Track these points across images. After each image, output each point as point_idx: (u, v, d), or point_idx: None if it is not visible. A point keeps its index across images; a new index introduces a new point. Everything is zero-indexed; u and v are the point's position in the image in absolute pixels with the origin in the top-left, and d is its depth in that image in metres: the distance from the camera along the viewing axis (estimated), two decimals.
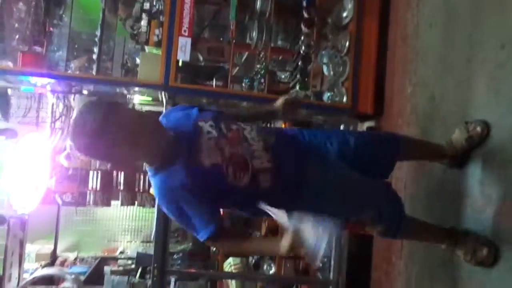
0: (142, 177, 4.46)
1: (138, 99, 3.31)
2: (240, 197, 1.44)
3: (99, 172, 4.31)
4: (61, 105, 4.55)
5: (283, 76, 3.64)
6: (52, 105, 4.46)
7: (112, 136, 1.24)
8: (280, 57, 3.57)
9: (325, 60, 2.83)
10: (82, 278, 4.86)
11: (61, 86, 3.11)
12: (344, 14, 2.66)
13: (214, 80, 2.88)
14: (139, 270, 5.09)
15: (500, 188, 1.61)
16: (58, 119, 4.46)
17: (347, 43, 2.60)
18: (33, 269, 4.99)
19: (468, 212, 1.77)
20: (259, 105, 2.42)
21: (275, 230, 2.85)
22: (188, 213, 1.36)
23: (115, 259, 6.01)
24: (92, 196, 4.35)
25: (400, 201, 1.63)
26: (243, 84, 2.83)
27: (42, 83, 2.97)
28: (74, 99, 4.91)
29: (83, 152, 1.33)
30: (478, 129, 1.66)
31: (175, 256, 4.10)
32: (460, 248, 1.67)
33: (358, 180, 1.56)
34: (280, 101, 1.66)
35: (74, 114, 1.30)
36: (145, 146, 1.31)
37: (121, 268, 5.31)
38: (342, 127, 2.66)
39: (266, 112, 1.80)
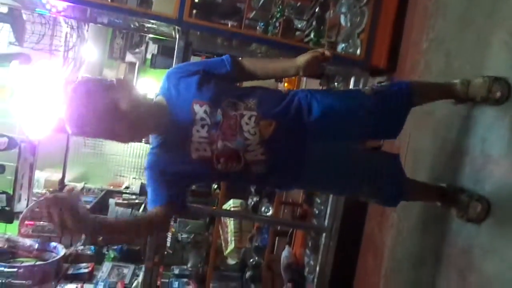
0: None
1: (152, 36, 3.30)
2: (231, 178, 1.53)
3: None
4: (74, 35, 4.55)
5: (299, 25, 3.57)
6: (66, 34, 4.47)
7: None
8: (298, 4, 3.48)
9: (343, 9, 2.76)
10: (88, 206, 5.08)
11: (75, 13, 3.08)
12: None
13: (229, 20, 2.84)
14: (143, 204, 5.31)
15: (501, 148, 1.63)
16: (71, 49, 4.48)
17: None
18: (42, 194, 5.21)
19: (467, 169, 1.80)
20: (277, 58, 2.33)
21: None
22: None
23: (120, 193, 6.25)
24: None
25: (401, 176, 1.65)
26: (258, 28, 2.79)
27: (56, 7, 2.95)
28: (87, 30, 4.90)
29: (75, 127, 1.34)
30: (498, 94, 1.61)
31: None
32: (455, 205, 1.72)
33: (358, 158, 1.60)
34: (305, 58, 1.46)
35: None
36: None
37: (125, 202, 5.54)
38: (352, 80, 2.64)
39: (283, 70, 1.60)
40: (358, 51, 2.58)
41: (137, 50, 6.93)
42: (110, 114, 1.27)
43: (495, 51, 1.74)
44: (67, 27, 4.30)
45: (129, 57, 7.01)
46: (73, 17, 3.51)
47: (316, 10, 2.71)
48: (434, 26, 2.24)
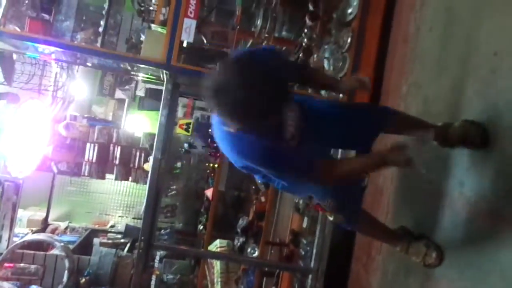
0: (138, 153, 4.53)
1: (142, 76, 3.36)
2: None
3: (97, 144, 4.38)
4: (64, 75, 4.61)
5: None
6: (56, 74, 4.53)
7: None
8: (284, 48, 3.61)
9: (326, 55, 2.87)
10: (71, 247, 4.96)
11: (66, 56, 3.15)
12: (349, 11, 2.70)
13: (216, 64, 2.93)
14: (128, 244, 5.20)
15: (477, 192, 1.68)
16: (61, 88, 4.52)
17: (349, 40, 2.64)
18: (24, 233, 5.09)
19: (446, 212, 1.84)
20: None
21: (262, 214, 2.92)
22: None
23: (105, 232, 6.12)
24: (87, 168, 4.43)
25: (360, 203, 1.85)
26: None
27: (47, 51, 3.01)
28: (77, 71, 4.97)
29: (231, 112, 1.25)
30: (478, 140, 1.68)
31: (162, 232, 4.20)
32: (412, 252, 1.88)
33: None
34: (350, 83, 1.76)
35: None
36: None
37: (110, 241, 5.41)
38: None
39: (331, 85, 1.89)
40: (341, 95, 2.66)
41: (126, 87, 7.01)
42: None
43: (470, 97, 1.82)
44: (57, 67, 4.36)
45: (119, 94, 7.08)
46: (64, 60, 3.58)
47: (300, 55, 2.81)
48: (413, 71, 2.34)
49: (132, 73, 3.17)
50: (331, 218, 1.82)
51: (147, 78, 3.66)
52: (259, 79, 1.18)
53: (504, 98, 1.62)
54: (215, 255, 3.15)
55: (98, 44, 2.68)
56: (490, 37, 1.75)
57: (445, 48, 2.08)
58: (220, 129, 1.46)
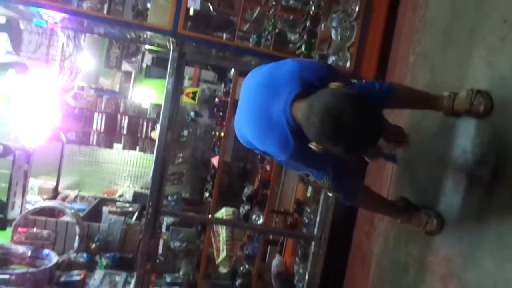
0: (145, 123, 4.57)
1: (149, 47, 3.36)
2: None
3: (104, 114, 4.43)
4: (71, 45, 4.61)
5: (293, 38, 3.65)
6: (63, 44, 4.53)
7: None
8: (291, 17, 3.57)
9: (334, 24, 2.84)
10: (81, 214, 5.09)
11: (72, 24, 3.14)
12: None
13: (223, 32, 2.92)
14: (136, 213, 5.33)
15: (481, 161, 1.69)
16: (68, 58, 4.53)
17: (357, 8, 2.60)
18: (36, 201, 5.22)
19: (449, 181, 1.86)
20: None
21: (267, 182, 2.97)
22: None
23: (114, 201, 6.25)
24: (95, 137, 4.50)
25: (359, 182, 1.84)
26: (251, 40, 2.86)
27: (54, 18, 3.01)
28: (84, 40, 4.96)
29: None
30: (482, 108, 1.68)
31: (169, 199, 4.29)
32: (413, 223, 1.93)
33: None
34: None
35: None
36: None
37: (119, 210, 5.54)
38: None
39: None
40: (348, 64, 2.65)
41: (133, 59, 7.00)
42: None
43: (476, 66, 1.81)
44: (64, 36, 4.36)
45: (125, 66, 7.08)
46: (70, 28, 3.57)
47: (307, 24, 2.78)
48: (421, 41, 2.32)
49: (139, 43, 3.17)
50: (330, 194, 1.85)
51: (154, 49, 3.65)
52: (373, 121, 1.27)
53: (511, 66, 1.62)
54: (221, 222, 3.22)
55: (105, 12, 2.67)
56: (500, 3, 1.72)
57: (454, 16, 2.05)
58: (280, 124, 1.42)
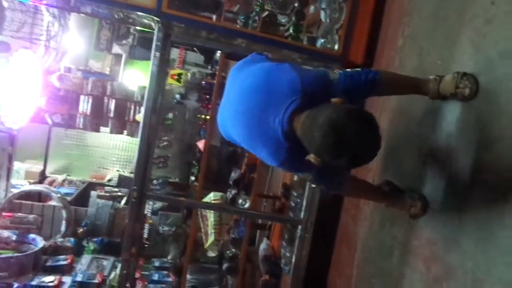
0: (132, 106, 4.49)
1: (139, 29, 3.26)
2: None
3: (91, 97, 4.35)
4: (56, 25, 4.49)
5: (283, 20, 3.60)
6: (48, 23, 4.41)
7: None
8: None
9: (323, 5, 2.79)
10: (69, 198, 5.05)
11: (57, 1, 3.05)
12: None
13: (211, 13, 2.85)
14: (125, 197, 5.30)
15: (465, 144, 1.69)
16: (53, 38, 4.42)
17: None
18: (22, 185, 5.16)
19: (434, 165, 1.86)
20: None
21: (253, 166, 2.95)
22: None
23: (103, 185, 6.21)
24: (82, 120, 4.43)
25: (343, 175, 1.78)
26: (238, 21, 2.80)
27: None
28: (69, 19, 4.84)
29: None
30: (467, 91, 1.66)
31: (155, 182, 4.26)
32: (398, 206, 1.91)
33: None
34: None
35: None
36: None
37: (107, 194, 5.51)
38: None
39: None
40: (336, 47, 2.62)
41: (124, 41, 6.88)
42: None
43: (463, 48, 1.79)
44: (49, 15, 4.24)
45: (116, 49, 6.96)
46: (55, 6, 3.47)
47: (296, 5, 2.73)
48: (409, 24, 2.28)
49: (128, 24, 3.10)
50: (313, 185, 1.84)
51: (145, 30, 3.55)
52: (375, 136, 1.31)
53: (497, 49, 1.59)
54: (206, 205, 3.21)
55: None
56: None
57: None
58: (275, 132, 1.42)
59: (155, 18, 2.38)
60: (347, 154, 1.27)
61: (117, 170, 6.99)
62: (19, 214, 4.40)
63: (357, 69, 1.72)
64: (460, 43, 1.81)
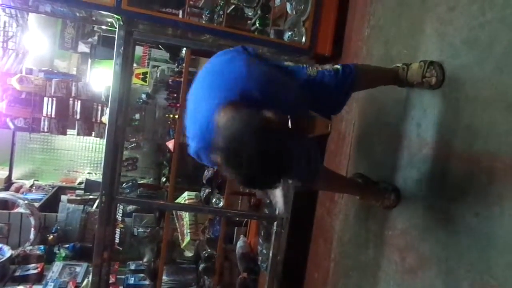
0: (100, 107, 4.34)
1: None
2: None
3: (54, 99, 4.17)
4: (14, 25, 4.28)
5: (250, 14, 3.53)
6: (4, 23, 4.20)
7: None
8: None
9: None
10: (37, 204, 4.86)
11: (14, 2, 2.89)
12: None
13: (173, 8, 2.76)
14: (97, 201, 5.14)
15: (433, 133, 1.69)
16: (11, 39, 4.22)
17: None
18: None
19: (405, 154, 1.86)
20: None
21: None
22: None
23: (73, 189, 6.02)
24: (46, 123, 4.25)
25: (316, 163, 1.67)
26: (203, 16, 2.73)
27: None
28: (27, 19, 4.63)
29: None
30: (433, 79, 1.67)
31: (124, 185, 4.15)
32: (371, 198, 1.94)
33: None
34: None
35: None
36: None
37: (78, 198, 5.35)
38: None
39: None
40: (303, 39, 2.58)
41: (89, 39, 6.65)
42: None
43: (428, 37, 1.79)
44: (5, 15, 4.03)
45: (82, 47, 6.72)
46: (12, 6, 3.30)
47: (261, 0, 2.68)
48: (374, 13, 2.27)
49: (91, 23, 2.97)
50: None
51: (110, 29, 3.41)
52: (273, 170, 1.19)
53: (461, 36, 1.60)
54: (178, 207, 3.14)
55: None
56: None
57: None
58: (204, 120, 1.34)
59: (116, 15, 2.27)
60: (236, 171, 1.17)
61: (88, 173, 6.80)
62: None
63: (336, 66, 1.69)
64: (425, 32, 1.82)
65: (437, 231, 1.61)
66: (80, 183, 6.57)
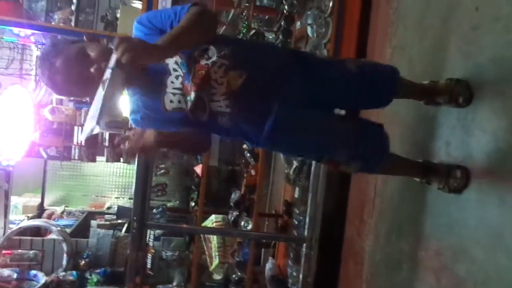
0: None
1: None
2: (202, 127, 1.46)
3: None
4: None
5: (270, 37, 3.61)
6: (36, 57, 4.41)
7: (61, 76, 1.30)
8: (267, 17, 3.52)
9: (309, 21, 2.81)
10: (69, 230, 4.97)
11: (45, 38, 3.06)
12: None
13: None
14: (126, 225, 5.23)
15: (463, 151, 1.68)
16: None
17: (331, 4, 2.57)
18: (20, 220, 5.08)
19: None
20: None
21: (253, 187, 2.92)
22: None
23: (102, 213, 6.13)
24: (77, 151, 4.39)
25: (381, 140, 1.56)
26: None
27: (23, 33, 2.93)
28: None
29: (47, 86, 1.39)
30: (461, 99, 1.65)
31: (154, 211, 4.20)
32: (434, 176, 1.69)
33: (336, 122, 1.53)
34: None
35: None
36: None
37: (107, 223, 5.44)
38: None
39: None
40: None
41: None
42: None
43: (453, 55, 1.80)
44: (37, 50, 4.24)
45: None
46: (43, 43, 3.48)
47: (282, 23, 2.74)
48: (396, 33, 2.30)
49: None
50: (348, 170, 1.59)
51: None
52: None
53: (487, 54, 1.60)
54: (209, 230, 3.17)
55: (72, 23, 2.60)
56: None
57: (427, 6, 2.04)
58: None
59: None
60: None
61: (116, 197, 6.93)
62: (19, 250, 4.32)
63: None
64: (449, 50, 1.82)
65: (473, 252, 1.58)
66: (108, 208, 6.70)
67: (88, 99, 1.41)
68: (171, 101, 1.37)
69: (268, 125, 1.39)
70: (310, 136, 1.48)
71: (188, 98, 1.35)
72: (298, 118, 1.45)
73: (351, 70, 1.51)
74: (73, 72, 1.28)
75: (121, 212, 4.74)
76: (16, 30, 2.92)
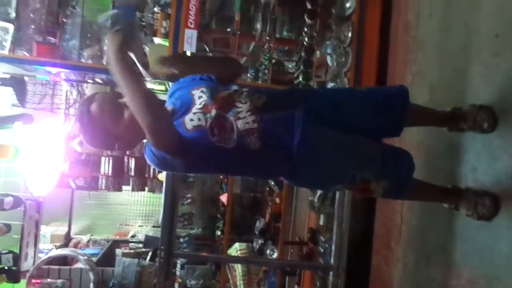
0: None
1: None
2: (232, 160, 1.47)
3: (111, 158, 4.46)
4: (74, 92, 4.69)
5: (290, 66, 3.70)
6: (66, 92, 4.61)
7: (92, 127, 1.46)
8: (287, 48, 3.62)
9: (329, 51, 2.87)
10: (95, 259, 5.04)
11: (75, 75, 3.22)
12: (348, 5, 2.69)
13: None
14: (150, 253, 5.27)
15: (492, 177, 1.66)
16: (72, 105, 4.61)
17: (350, 34, 2.64)
18: (48, 249, 5.19)
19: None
20: None
21: (278, 215, 2.93)
22: None
23: (127, 242, 6.19)
24: (104, 181, 4.51)
25: (408, 159, 1.55)
26: (248, 74, 2.89)
27: (56, 71, 3.09)
28: (87, 87, 5.05)
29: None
30: (485, 124, 1.65)
31: (181, 240, 4.24)
32: (462, 202, 1.66)
33: (355, 139, 1.53)
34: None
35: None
36: (121, 136, 1.48)
37: (132, 251, 5.49)
38: None
39: None
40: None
41: None
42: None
43: (475, 81, 1.81)
44: (67, 85, 4.45)
45: None
46: (74, 80, 3.66)
47: (302, 54, 2.82)
48: (416, 61, 2.33)
49: None
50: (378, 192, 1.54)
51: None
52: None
53: (509, 79, 1.61)
54: (234, 259, 3.18)
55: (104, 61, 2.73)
56: (490, 19, 1.74)
57: (446, 34, 2.07)
58: None
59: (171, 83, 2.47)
60: None
61: (139, 226, 7.00)
62: (48, 280, 4.40)
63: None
64: (470, 76, 1.84)
65: (507, 279, 1.54)
66: (132, 236, 6.77)
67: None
68: (191, 120, 1.42)
69: (297, 137, 1.42)
70: (340, 150, 1.48)
71: (208, 115, 1.42)
72: (325, 132, 1.47)
73: (362, 90, 1.63)
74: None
75: (149, 241, 4.77)
76: (48, 69, 3.08)
